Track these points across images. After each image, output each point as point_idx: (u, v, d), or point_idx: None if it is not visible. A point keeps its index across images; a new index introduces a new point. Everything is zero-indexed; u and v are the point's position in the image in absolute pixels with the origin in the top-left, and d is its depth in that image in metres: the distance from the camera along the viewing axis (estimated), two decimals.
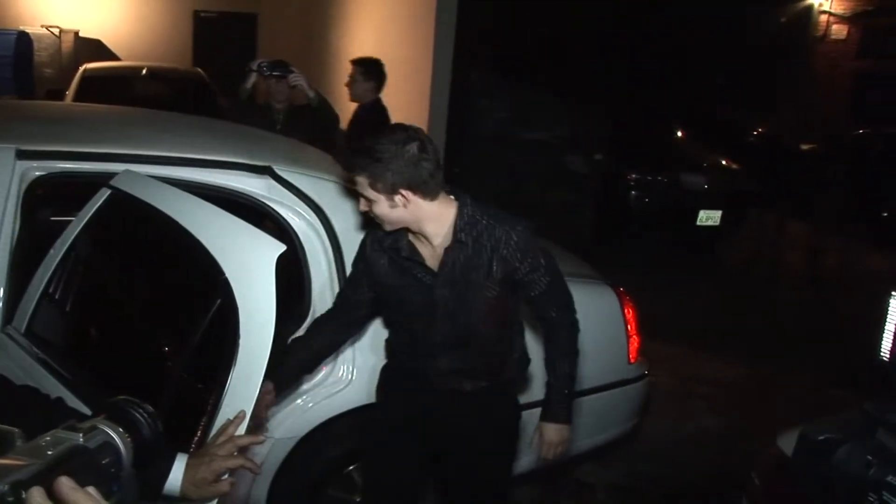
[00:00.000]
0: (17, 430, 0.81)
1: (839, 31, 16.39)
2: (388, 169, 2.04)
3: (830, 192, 8.50)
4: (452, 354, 2.32)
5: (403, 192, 2.07)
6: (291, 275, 2.64)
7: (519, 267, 2.19)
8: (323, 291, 2.70)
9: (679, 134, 10.15)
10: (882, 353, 1.39)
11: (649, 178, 8.66)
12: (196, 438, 1.78)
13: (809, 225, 8.99)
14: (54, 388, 2.06)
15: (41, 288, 2.42)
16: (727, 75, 15.88)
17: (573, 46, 10.67)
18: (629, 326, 3.39)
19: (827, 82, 16.22)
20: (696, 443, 4.58)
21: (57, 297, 2.47)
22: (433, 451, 2.56)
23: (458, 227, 2.15)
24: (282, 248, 1.95)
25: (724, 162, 9.33)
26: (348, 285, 2.50)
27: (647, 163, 8.78)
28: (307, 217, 2.74)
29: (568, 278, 3.44)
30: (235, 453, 1.64)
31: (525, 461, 3.14)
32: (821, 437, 1.50)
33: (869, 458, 1.40)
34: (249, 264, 1.93)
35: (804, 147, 9.55)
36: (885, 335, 1.39)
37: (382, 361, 2.63)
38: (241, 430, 1.71)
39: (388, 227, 2.20)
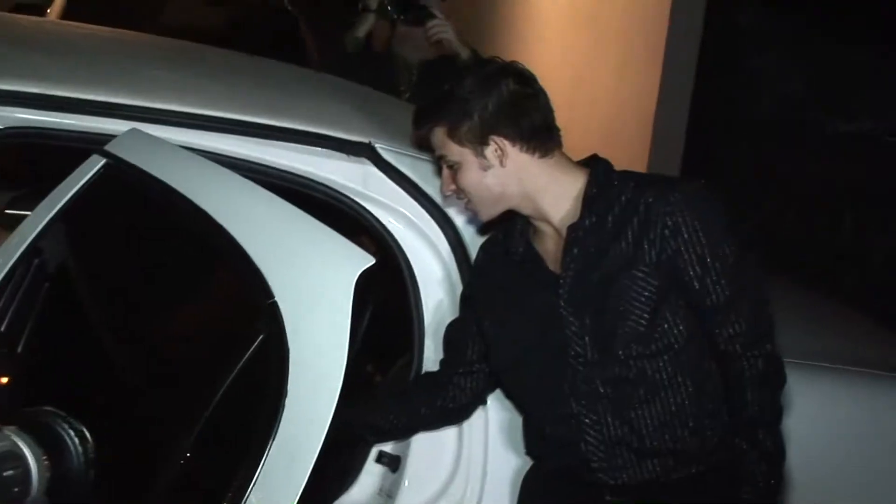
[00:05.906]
0: None
1: None
2: (472, 108, 1.66)
3: None
4: (611, 415, 1.70)
5: (497, 138, 1.67)
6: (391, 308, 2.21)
7: (680, 251, 1.63)
8: (439, 332, 2.12)
9: None
10: None
11: None
12: None
13: None
14: None
15: None
16: None
17: None
18: None
19: None
20: None
21: (2, 329, 1.95)
22: None
23: (588, 199, 1.70)
24: (368, 261, 1.63)
25: None
26: (453, 329, 2.00)
27: None
28: (418, 223, 2.11)
29: (860, 369, 2.63)
30: None
31: None
32: None
33: None
34: (313, 284, 1.63)
35: None
36: None
37: (527, 467, 2.01)
38: None
39: (485, 214, 1.78)
